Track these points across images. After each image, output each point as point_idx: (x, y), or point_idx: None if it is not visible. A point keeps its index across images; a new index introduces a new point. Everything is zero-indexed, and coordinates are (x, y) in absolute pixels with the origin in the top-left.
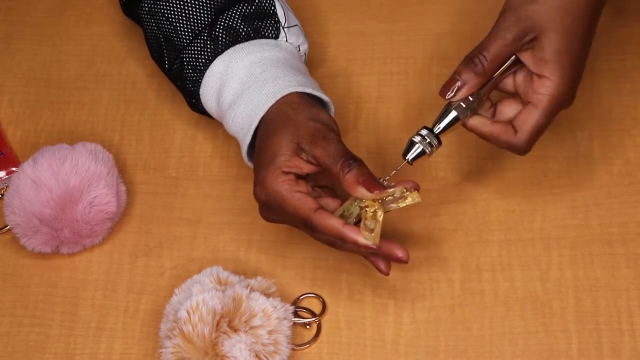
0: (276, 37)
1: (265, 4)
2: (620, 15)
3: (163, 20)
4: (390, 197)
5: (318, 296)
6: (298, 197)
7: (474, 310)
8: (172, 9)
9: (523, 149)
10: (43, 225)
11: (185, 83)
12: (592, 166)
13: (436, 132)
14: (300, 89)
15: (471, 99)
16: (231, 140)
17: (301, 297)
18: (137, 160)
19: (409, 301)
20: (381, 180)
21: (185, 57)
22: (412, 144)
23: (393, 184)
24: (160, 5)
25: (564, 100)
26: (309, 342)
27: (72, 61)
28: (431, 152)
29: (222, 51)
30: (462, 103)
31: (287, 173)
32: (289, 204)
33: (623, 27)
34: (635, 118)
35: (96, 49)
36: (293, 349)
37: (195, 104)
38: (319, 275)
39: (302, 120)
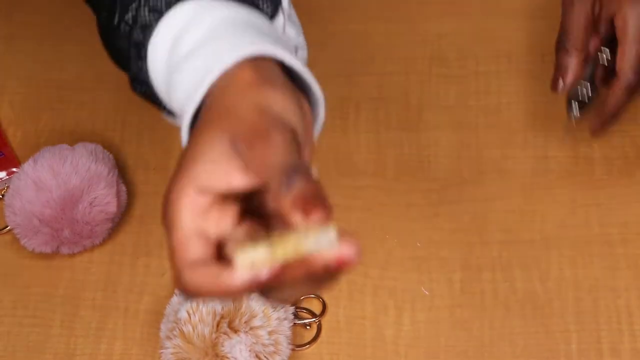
0: (272, 16)
1: None
2: None
3: None
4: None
5: (318, 296)
6: (182, 238)
7: (474, 311)
8: None
9: (634, 83)
10: (43, 226)
11: (134, 33)
12: (592, 166)
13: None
14: (273, 54)
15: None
16: None
17: (301, 298)
18: (137, 160)
19: (409, 301)
20: None
21: None
22: (570, 102)
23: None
24: None
25: None
26: (309, 343)
27: (73, 61)
28: (592, 104)
29: None
30: (587, 82)
31: (203, 193)
32: (171, 239)
33: None
34: (635, 118)
35: (97, 48)
36: (293, 350)
37: (135, 69)
38: None
39: (242, 109)
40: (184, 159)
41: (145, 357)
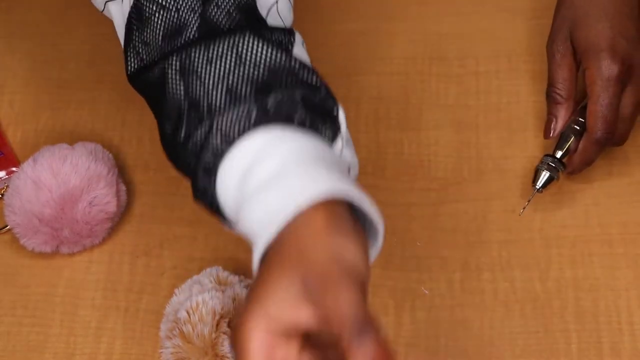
0: (332, 139)
1: (329, 102)
2: None
3: (194, 80)
4: None
5: None
6: None
7: (473, 310)
8: (218, 66)
9: (602, 139)
10: (43, 225)
11: (205, 154)
12: (593, 166)
13: (559, 157)
14: (345, 194)
15: (581, 119)
16: None
17: None
18: (137, 160)
19: (409, 301)
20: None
21: (217, 123)
22: (538, 172)
23: None
24: (200, 61)
25: (608, 67)
26: None
27: (73, 61)
28: (558, 177)
29: (268, 123)
30: (575, 126)
31: (274, 325)
32: None
33: None
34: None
35: (97, 48)
36: None
37: (203, 184)
38: None
39: (315, 254)
40: (255, 293)
41: (145, 356)
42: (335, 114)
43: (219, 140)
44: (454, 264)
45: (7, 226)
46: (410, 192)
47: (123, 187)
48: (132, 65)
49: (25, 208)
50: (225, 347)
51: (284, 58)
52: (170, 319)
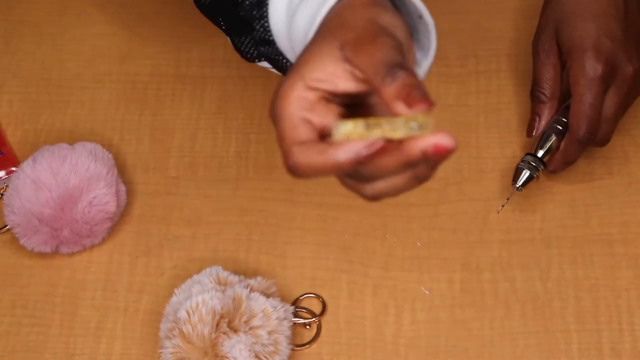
0: None
1: None
2: None
3: None
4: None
5: (318, 296)
6: (291, 123)
7: (474, 311)
8: None
9: (585, 139)
10: (43, 225)
11: None
12: (592, 166)
13: (539, 156)
14: None
15: (564, 119)
16: (231, 140)
17: (301, 297)
18: (136, 160)
19: (409, 301)
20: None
21: None
22: (519, 171)
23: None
24: None
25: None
26: (309, 343)
27: (72, 60)
28: (538, 176)
29: None
30: (557, 125)
31: (311, 89)
32: (280, 125)
33: None
34: (635, 118)
35: (96, 48)
36: (293, 349)
37: (260, 26)
38: (318, 275)
39: (354, 21)
40: (296, 63)
41: (145, 356)
42: None
43: None
44: (454, 264)
45: (6, 226)
46: (410, 192)
47: (123, 187)
48: None
49: (24, 208)
50: (225, 347)
51: None
52: (170, 319)
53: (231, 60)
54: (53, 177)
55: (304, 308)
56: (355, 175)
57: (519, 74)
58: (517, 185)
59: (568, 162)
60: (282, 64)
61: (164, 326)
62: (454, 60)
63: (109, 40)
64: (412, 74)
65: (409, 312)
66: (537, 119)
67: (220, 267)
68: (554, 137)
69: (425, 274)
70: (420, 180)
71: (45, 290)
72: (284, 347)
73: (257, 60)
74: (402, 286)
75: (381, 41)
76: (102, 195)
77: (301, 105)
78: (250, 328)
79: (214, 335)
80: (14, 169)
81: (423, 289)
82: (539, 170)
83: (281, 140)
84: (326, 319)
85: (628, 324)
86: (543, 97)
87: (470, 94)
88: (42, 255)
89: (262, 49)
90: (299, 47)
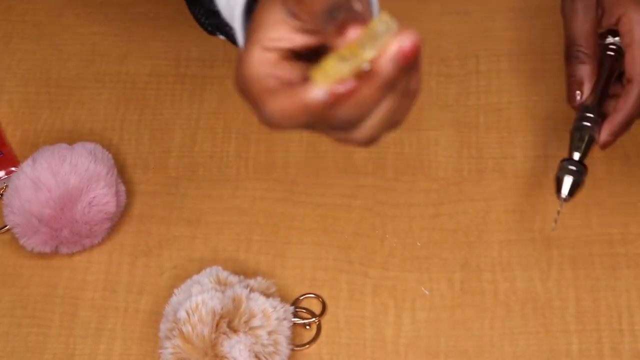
0: None
1: None
2: None
3: None
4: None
5: (318, 296)
6: (259, 80)
7: (474, 311)
8: None
9: (624, 128)
10: (42, 225)
11: None
12: (593, 166)
13: (577, 160)
14: None
15: (589, 114)
16: (231, 140)
17: (301, 298)
18: (136, 160)
19: (409, 301)
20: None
21: None
22: (560, 180)
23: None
24: None
25: None
26: (309, 343)
27: (72, 60)
28: (583, 181)
29: None
30: (584, 123)
31: (269, 50)
32: (249, 85)
33: None
34: None
35: (96, 48)
36: (293, 350)
37: None
38: (318, 276)
39: None
40: (250, 30)
41: (145, 357)
42: None
43: None
44: (454, 264)
45: (6, 226)
46: (411, 192)
47: (122, 187)
48: None
49: (24, 208)
50: (225, 347)
51: None
52: (169, 319)
53: (231, 60)
54: (53, 177)
55: (304, 308)
56: (341, 123)
57: (519, 74)
58: (564, 196)
59: (628, 124)
60: (233, 37)
61: (163, 326)
62: (454, 60)
63: (108, 40)
64: (350, 10)
65: (409, 312)
66: (580, 82)
67: (220, 267)
68: (587, 136)
69: (425, 274)
70: (410, 96)
71: (45, 290)
72: (284, 347)
73: (216, 33)
74: (402, 286)
75: None
76: (102, 196)
77: (264, 65)
78: (250, 328)
79: (213, 336)
80: (13, 169)
81: (423, 289)
82: (582, 174)
83: (251, 96)
84: (326, 319)
85: (628, 324)
86: (583, 57)
87: (470, 94)
88: (41, 255)
89: (212, 20)
90: (239, 13)
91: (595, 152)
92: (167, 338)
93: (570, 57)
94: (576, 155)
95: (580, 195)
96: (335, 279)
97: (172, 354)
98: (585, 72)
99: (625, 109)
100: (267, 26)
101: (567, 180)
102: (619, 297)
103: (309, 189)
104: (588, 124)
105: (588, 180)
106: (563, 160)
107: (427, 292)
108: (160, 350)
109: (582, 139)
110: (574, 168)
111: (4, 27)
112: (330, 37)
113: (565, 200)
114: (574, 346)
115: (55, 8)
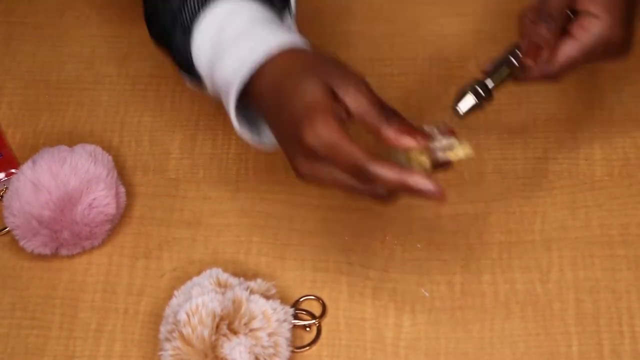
0: (282, 10)
1: None
2: None
3: None
4: (438, 145)
5: (318, 298)
6: (350, 145)
7: (474, 313)
8: None
9: (553, 76)
10: (42, 227)
11: (182, 14)
12: (593, 167)
13: (490, 87)
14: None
15: (520, 54)
16: (231, 141)
17: (301, 299)
18: (136, 161)
19: (409, 303)
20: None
21: None
22: (463, 94)
23: (435, 130)
24: None
25: (611, 44)
26: (309, 345)
27: (72, 62)
28: (483, 107)
29: None
30: (514, 60)
31: (337, 118)
32: (341, 152)
33: None
34: (636, 119)
35: (95, 50)
36: (293, 352)
37: (180, 42)
38: (318, 277)
39: (325, 59)
40: (298, 100)
41: (145, 359)
42: None
43: (195, 3)
44: (454, 266)
45: (6, 228)
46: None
47: (122, 189)
48: None
49: (24, 210)
50: (225, 349)
51: None
52: (169, 321)
53: None
54: (53, 179)
55: (304, 310)
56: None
57: None
58: (461, 112)
59: (560, 74)
60: (191, 74)
61: (163, 328)
62: (454, 62)
63: (108, 41)
64: (399, 113)
65: (409, 314)
66: (548, 45)
67: (220, 269)
68: (507, 71)
69: (425, 275)
70: (378, 197)
71: (45, 292)
72: (284, 349)
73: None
74: (402, 288)
75: (360, 82)
76: (102, 197)
77: (342, 130)
78: (250, 330)
79: (213, 338)
80: (13, 170)
81: (423, 290)
82: (485, 100)
83: (347, 161)
84: (326, 321)
85: (628, 325)
86: (551, 20)
87: None
88: (41, 257)
89: (178, 57)
90: (223, 78)
91: (596, 154)
92: (167, 340)
93: (536, 18)
94: (489, 83)
95: (580, 196)
96: (335, 281)
97: (172, 355)
98: (550, 36)
99: (562, 58)
100: (327, 99)
101: (469, 99)
102: (619, 298)
103: (309, 191)
104: (515, 61)
105: (588, 181)
106: (476, 80)
107: (427, 294)
108: (160, 352)
109: (503, 72)
110: (481, 92)
111: (4, 29)
112: (381, 131)
113: (458, 115)
114: (574, 348)
115: (55, 10)
